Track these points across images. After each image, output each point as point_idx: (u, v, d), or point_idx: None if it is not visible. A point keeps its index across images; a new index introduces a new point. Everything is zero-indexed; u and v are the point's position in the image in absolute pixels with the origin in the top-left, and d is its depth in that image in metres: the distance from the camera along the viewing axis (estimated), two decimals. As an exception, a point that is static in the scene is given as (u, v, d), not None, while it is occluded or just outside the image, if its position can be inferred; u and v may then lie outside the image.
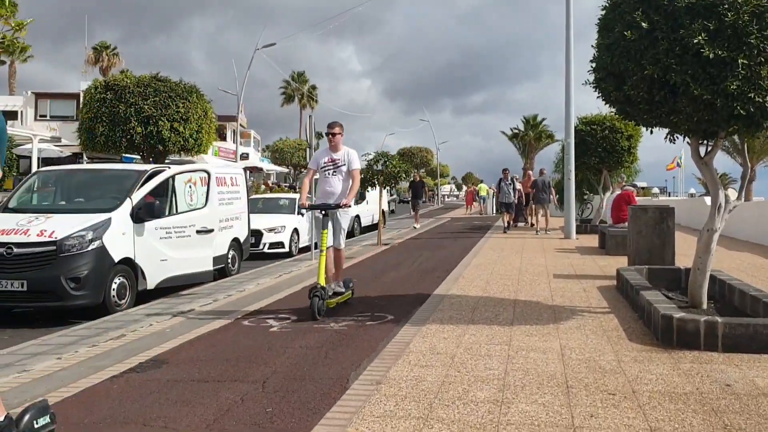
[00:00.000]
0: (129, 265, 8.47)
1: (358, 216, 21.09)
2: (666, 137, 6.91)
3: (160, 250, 8.87)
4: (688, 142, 7.07)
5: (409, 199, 26.84)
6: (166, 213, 9.17)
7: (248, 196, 12.52)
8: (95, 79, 27.76)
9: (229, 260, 11.62)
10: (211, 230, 9.52)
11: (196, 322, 7.07)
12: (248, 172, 50.14)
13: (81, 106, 24.70)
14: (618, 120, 18.64)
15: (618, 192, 14.84)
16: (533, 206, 20.32)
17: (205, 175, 9.98)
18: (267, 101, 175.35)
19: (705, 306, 6.90)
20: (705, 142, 6.82)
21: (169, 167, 9.65)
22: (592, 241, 16.31)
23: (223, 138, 52.29)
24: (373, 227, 23.37)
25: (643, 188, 56.85)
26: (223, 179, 11.31)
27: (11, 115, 38.07)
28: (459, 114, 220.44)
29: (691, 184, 64.26)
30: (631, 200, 13.02)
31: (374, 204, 22.78)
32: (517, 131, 52.59)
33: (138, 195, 8.71)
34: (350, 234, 20.40)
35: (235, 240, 11.91)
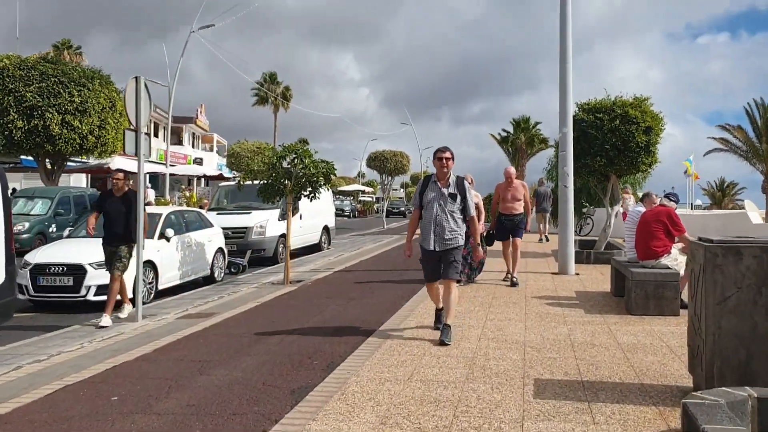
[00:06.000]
0: None
1: (284, 236, 15.74)
2: None
3: None
4: None
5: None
6: None
7: (7, 211, 7.17)
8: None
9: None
10: None
11: None
12: (204, 180, 44.66)
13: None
14: (632, 107, 13.51)
15: (639, 207, 9.51)
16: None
17: None
18: (242, 107, 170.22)
19: None
20: None
21: None
22: (599, 278, 11.07)
23: (179, 142, 47.12)
24: (315, 248, 18.11)
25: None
26: None
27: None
28: (457, 123, 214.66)
29: (697, 195, 58.78)
30: (674, 224, 7.73)
31: (313, 218, 17.53)
32: (506, 134, 47.26)
33: None
34: (274, 260, 15.12)
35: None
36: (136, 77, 7.99)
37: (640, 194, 23.82)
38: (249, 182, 12.28)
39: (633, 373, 5.20)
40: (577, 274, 11.62)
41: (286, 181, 10.87)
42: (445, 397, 4.59)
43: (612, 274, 9.47)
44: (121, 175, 8.55)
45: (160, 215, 11.04)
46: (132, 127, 8.09)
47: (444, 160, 6.44)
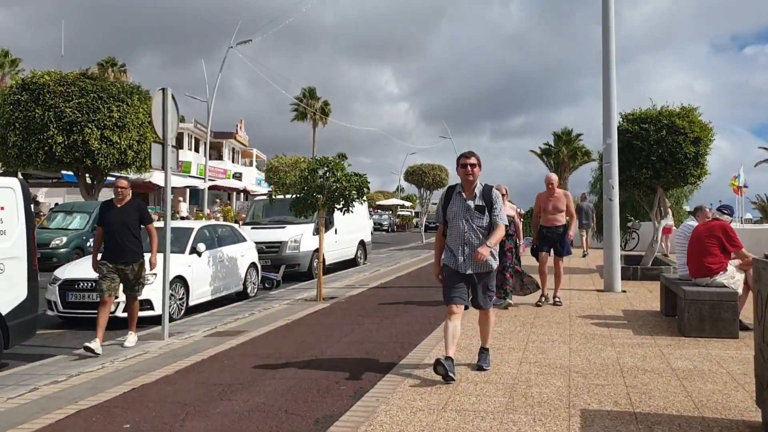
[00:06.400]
0: None
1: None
2: None
3: None
4: None
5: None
6: None
7: (30, 227, 6.99)
8: (13, 75, 22.75)
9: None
10: None
11: None
12: (243, 194, 44.91)
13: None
14: (679, 117, 12.89)
15: (690, 221, 8.96)
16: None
17: None
18: (281, 122, 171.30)
19: None
20: None
21: None
22: (647, 295, 10.47)
23: (219, 156, 47.54)
24: (351, 263, 17.83)
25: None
26: None
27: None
28: (497, 137, 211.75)
29: (747, 209, 56.69)
30: (730, 238, 7.19)
31: (348, 233, 17.26)
32: (548, 147, 46.43)
33: None
34: (309, 275, 14.87)
35: (-15, 312, 6.44)
36: (162, 89, 7.81)
37: (687, 208, 22.98)
38: (281, 196, 12.06)
39: (692, 404, 4.70)
40: (624, 291, 11.04)
41: (318, 195, 10.59)
42: (483, 429, 4.17)
43: (661, 291, 8.90)
44: (125, 182, 7.60)
45: (191, 230, 10.87)
46: (159, 140, 7.89)
47: (469, 167, 5.42)
